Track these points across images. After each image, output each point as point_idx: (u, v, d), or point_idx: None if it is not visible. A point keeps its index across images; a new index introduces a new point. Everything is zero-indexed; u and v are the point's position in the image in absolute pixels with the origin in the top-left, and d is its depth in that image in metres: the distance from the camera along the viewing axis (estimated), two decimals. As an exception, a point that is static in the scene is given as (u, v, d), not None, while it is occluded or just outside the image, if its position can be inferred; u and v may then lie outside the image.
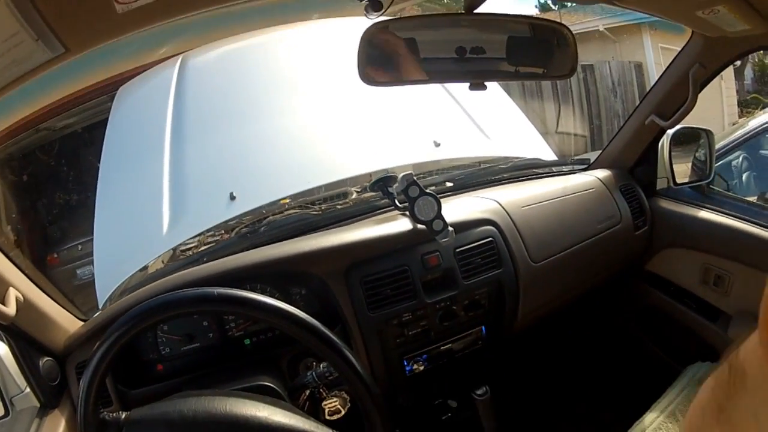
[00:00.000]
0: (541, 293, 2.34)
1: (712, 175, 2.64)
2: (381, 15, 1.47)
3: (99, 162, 3.34)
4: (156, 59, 4.27)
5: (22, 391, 1.82)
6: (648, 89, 2.59)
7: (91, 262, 2.98)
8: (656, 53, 11.03)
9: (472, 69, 1.55)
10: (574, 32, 1.63)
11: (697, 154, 2.71)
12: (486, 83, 1.58)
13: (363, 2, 1.47)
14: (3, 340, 1.80)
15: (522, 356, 2.97)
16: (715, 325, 2.43)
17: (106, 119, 3.85)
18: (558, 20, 1.71)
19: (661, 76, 2.46)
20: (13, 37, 0.96)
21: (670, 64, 2.38)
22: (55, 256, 8.34)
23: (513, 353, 2.82)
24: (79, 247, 8.02)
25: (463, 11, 1.48)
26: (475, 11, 1.46)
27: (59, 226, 9.20)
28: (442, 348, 2.20)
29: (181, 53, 3.99)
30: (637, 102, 2.75)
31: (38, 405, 1.85)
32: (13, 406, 1.82)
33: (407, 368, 2.18)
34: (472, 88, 1.56)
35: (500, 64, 1.57)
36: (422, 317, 2.11)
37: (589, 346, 3.13)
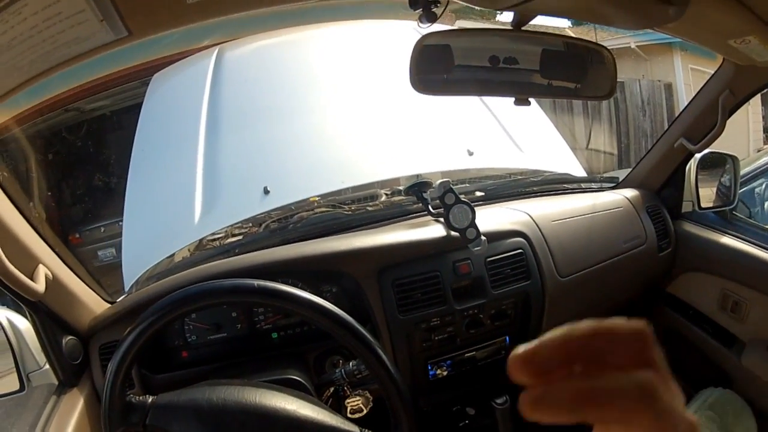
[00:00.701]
0: (566, 308, 2.35)
1: (735, 201, 2.64)
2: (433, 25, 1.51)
3: (129, 146, 3.37)
4: (195, 49, 4.29)
5: (41, 368, 1.90)
6: (676, 110, 2.60)
7: (113, 245, 3.03)
8: (686, 74, 10.93)
9: (505, 79, 1.56)
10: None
11: (722, 179, 2.71)
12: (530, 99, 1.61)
13: (417, 12, 1.50)
14: (26, 316, 1.85)
15: None
16: (729, 351, 2.44)
17: (136, 104, 3.88)
18: (595, 39, 1.73)
19: (691, 100, 2.47)
20: (79, 14, 0.97)
21: (701, 89, 2.40)
22: (78, 236, 8.39)
23: None
24: (102, 229, 8.09)
25: (510, 27, 1.49)
26: (523, 28, 1.48)
27: (83, 206, 9.25)
28: (466, 355, 2.23)
29: (218, 44, 4.03)
30: (665, 122, 2.76)
31: (56, 383, 1.87)
32: (29, 382, 1.88)
33: (431, 372, 2.20)
34: (517, 103, 1.59)
35: (533, 76, 1.58)
36: (450, 323, 2.13)
37: None
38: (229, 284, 1.48)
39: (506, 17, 1.44)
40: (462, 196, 2.14)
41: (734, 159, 2.67)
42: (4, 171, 1.64)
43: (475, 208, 2.13)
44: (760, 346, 2.34)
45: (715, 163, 2.67)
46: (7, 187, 1.58)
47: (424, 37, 1.50)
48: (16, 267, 1.54)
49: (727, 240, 2.50)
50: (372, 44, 3.83)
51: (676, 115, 2.61)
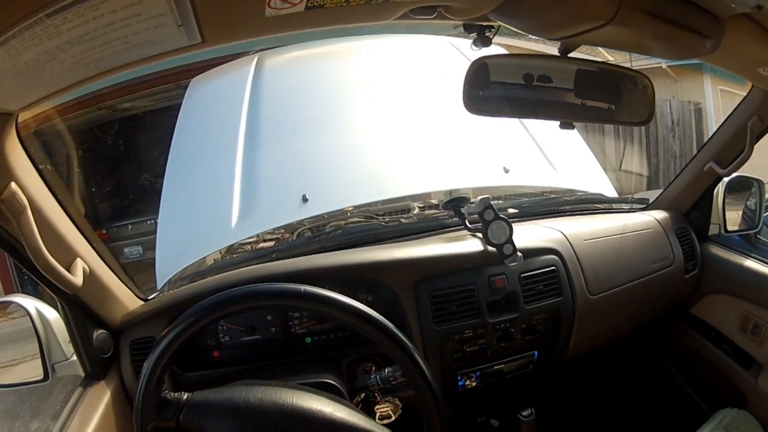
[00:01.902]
0: (595, 325, 2.38)
1: (760, 225, 2.66)
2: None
3: (160, 146, 3.41)
4: (232, 55, 4.33)
5: (67, 359, 1.90)
6: (706, 131, 2.60)
7: (140, 243, 3.07)
8: (715, 96, 10.83)
9: (539, 98, 1.58)
10: (638, 68, 1.66)
11: (748, 203, 2.73)
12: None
13: (472, 35, 1.55)
14: (55, 307, 1.88)
15: (567, 384, 3.00)
16: (747, 373, 2.45)
17: (169, 106, 3.95)
18: (629, 59, 1.75)
19: (721, 125, 2.48)
20: (159, 17, 0.97)
21: (730, 114, 2.41)
22: (104, 232, 8.43)
23: (559, 380, 2.86)
24: (129, 227, 8.20)
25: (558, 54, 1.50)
26: (569, 55, 1.50)
27: (111, 203, 9.29)
28: (495, 367, 2.26)
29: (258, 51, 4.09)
30: (695, 143, 2.77)
31: (83, 374, 1.92)
32: (54, 372, 1.89)
33: (460, 383, 2.24)
34: (562, 126, 1.61)
35: (566, 95, 1.59)
36: (482, 336, 2.17)
37: (630, 382, 3.14)
38: (277, 288, 1.50)
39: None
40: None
41: (760, 183, 2.68)
42: (47, 164, 1.67)
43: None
44: None
45: (742, 187, 2.69)
46: (49, 180, 1.60)
47: (478, 59, 1.54)
48: (55, 259, 1.57)
49: (751, 263, 2.51)
50: (410, 59, 3.84)
51: (706, 137, 2.64)
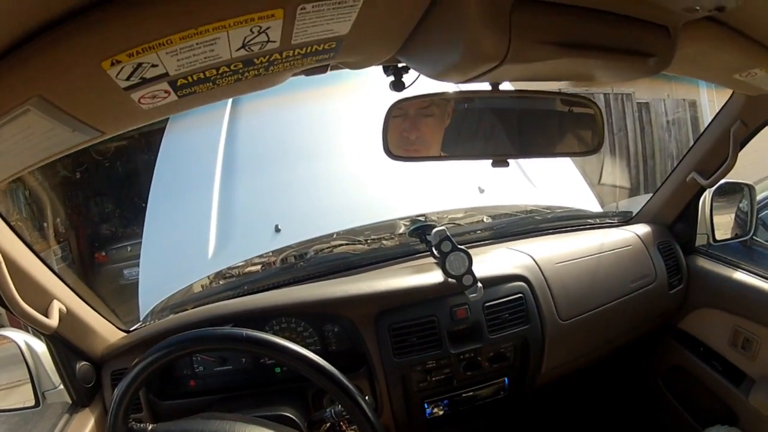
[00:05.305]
0: (567, 351, 2.36)
1: (752, 232, 2.60)
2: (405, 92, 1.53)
3: (152, 169, 3.46)
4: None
5: (56, 387, 1.98)
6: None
7: (139, 265, 3.14)
8: (710, 92, 10.77)
9: (526, 107, 1.59)
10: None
11: (740, 205, 2.68)
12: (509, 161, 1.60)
13: (389, 78, 1.52)
14: (42, 340, 1.95)
15: (548, 408, 2.97)
16: (738, 390, 2.39)
17: (164, 128, 3.95)
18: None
19: (702, 132, 2.44)
20: (50, 131, 1.02)
21: (712, 120, 2.37)
22: (104, 254, 8.63)
23: (538, 404, 2.83)
24: (129, 248, 8.36)
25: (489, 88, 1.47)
26: (501, 87, 1.46)
27: (110, 225, 9.43)
28: (464, 395, 2.26)
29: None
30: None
31: (70, 402, 1.99)
32: (44, 399, 1.98)
33: (427, 411, 2.25)
34: (494, 165, 1.59)
35: (555, 102, 1.61)
36: (446, 365, 2.17)
37: (613, 400, 3.11)
38: (221, 333, 1.60)
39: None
40: (470, 233, 2.25)
41: (751, 188, 2.64)
42: (17, 214, 1.71)
43: (479, 248, 2.22)
44: None
45: (730, 192, 2.64)
46: (19, 230, 1.66)
47: (395, 105, 1.57)
48: (31, 304, 1.64)
49: (740, 276, 2.45)
50: (383, 90, 3.79)
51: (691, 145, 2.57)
